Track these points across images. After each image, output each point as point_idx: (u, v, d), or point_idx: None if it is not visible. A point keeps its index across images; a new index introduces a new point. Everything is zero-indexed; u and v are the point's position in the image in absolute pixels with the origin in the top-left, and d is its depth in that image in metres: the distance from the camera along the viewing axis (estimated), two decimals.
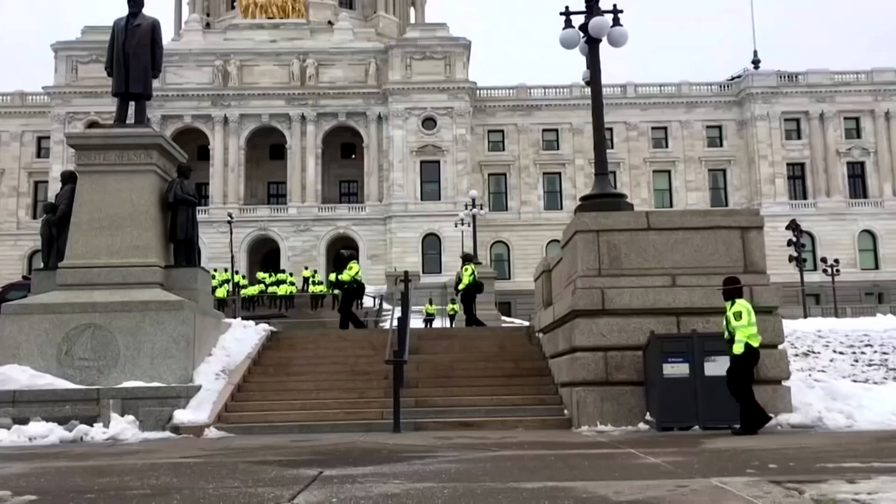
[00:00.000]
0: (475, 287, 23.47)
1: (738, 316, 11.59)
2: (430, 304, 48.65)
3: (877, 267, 70.24)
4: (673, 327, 13.10)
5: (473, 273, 23.44)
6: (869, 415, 12.63)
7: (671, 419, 12.31)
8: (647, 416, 12.75)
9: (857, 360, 17.79)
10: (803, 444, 10.08)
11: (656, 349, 12.52)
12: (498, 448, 10.30)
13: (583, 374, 13.16)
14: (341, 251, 25.06)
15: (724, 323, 11.84)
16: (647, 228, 13.44)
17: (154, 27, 16.74)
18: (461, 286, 23.37)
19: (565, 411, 14.08)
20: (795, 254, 51.32)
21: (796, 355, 17.64)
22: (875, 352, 18.45)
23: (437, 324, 44.72)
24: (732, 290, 11.96)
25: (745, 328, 11.56)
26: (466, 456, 9.43)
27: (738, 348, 11.55)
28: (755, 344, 11.69)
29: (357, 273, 21.83)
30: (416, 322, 27.07)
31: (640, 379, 12.88)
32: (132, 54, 16.44)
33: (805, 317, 38.93)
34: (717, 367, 12.28)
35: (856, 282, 67.25)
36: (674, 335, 12.87)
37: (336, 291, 23.94)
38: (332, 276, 22.36)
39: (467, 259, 24.76)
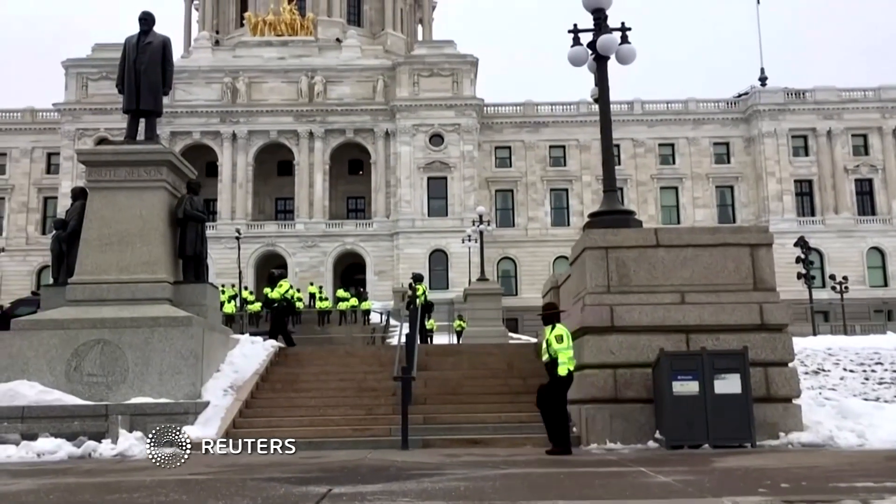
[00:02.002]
0: (426, 306, 24.67)
1: (559, 339, 12.02)
2: (429, 319, 48.49)
3: (886, 284, 69.89)
4: (682, 344, 13.05)
5: (424, 293, 24.67)
6: (881, 434, 12.52)
7: (681, 437, 12.23)
8: (657, 434, 12.67)
9: (867, 379, 17.70)
10: (815, 464, 10.00)
11: (665, 366, 12.46)
12: (507, 466, 10.25)
13: (592, 391, 13.10)
14: (273, 270, 26.11)
15: (545, 346, 12.26)
16: (655, 245, 13.43)
17: (165, 45, 16.89)
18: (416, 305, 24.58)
19: (574, 429, 14.00)
20: (804, 271, 51.14)
21: (806, 373, 17.56)
22: (886, 370, 18.35)
23: (437, 340, 44.50)
24: (551, 314, 12.43)
25: (566, 351, 12.01)
26: (475, 473, 9.38)
27: (562, 370, 12.01)
28: (571, 368, 12.19)
29: (287, 291, 22.75)
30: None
31: (649, 396, 12.81)
32: (143, 72, 16.58)
33: (814, 334, 38.72)
34: (726, 384, 12.24)
35: (865, 299, 66.92)
36: (683, 352, 12.81)
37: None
38: (266, 291, 23.33)
39: (418, 279, 25.75)
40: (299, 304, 47.52)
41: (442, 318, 53.11)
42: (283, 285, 22.82)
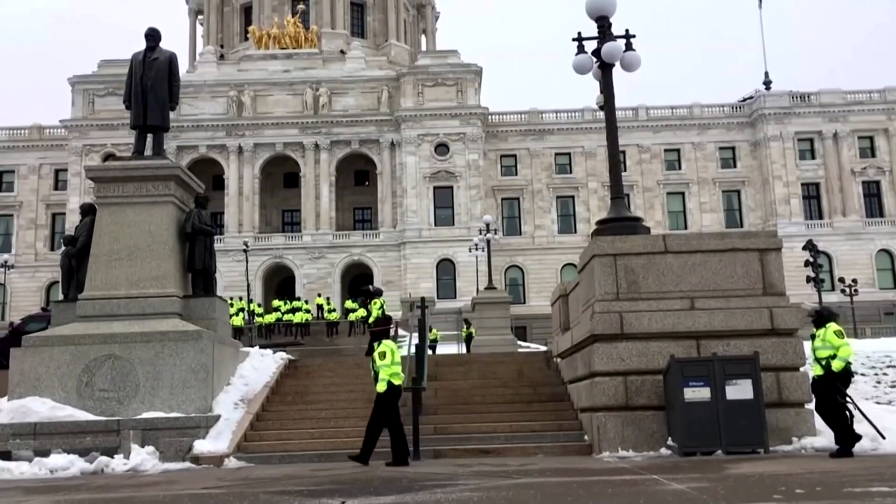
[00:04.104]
0: (384, 320, 25.34)
1: (382, 356, 12.41)
2: (431, 329, 48.41)
3: (895, 286, 69.57)
4: (693, 351, 13.02)
5: (382, 307, 25.30)
6: (894, 438, 12.43)
7: (693, 444, 12.19)
8: (669, 441, 12.63)
9: (879, 382, 17.63)
10: (828, 469, 9.94)
11: (676, 373, 12.43)
12: (519, 475, 10.22)
13: (603, 399, 13.07)
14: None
15: (371, 363, 12.60)
16: (664, 251, 13.40)
17: (171, 60, 16.98)
18: (371, 319, 25.20)
19: (585, 437, 13.98)
20: (813, 274, 50.97)
21: None
22: None
23: (444, 349, 44.38)
24: (380, 331, 12.79)
25: (388, 367, 12.37)
26: (488, 484, 9.36)
27: (381, 387, 12.42)
28: (397, 382, 12.62)
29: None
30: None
31: (660, 403, 12.78)
32: (150, 87, 16.67)
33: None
34: (738, 390, 12.20)
35: (874, 301, 66.63)
36: (694, 359, 12.78)
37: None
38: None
39: (376, 293, 26.63)
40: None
41: (450, 327, 53.08)
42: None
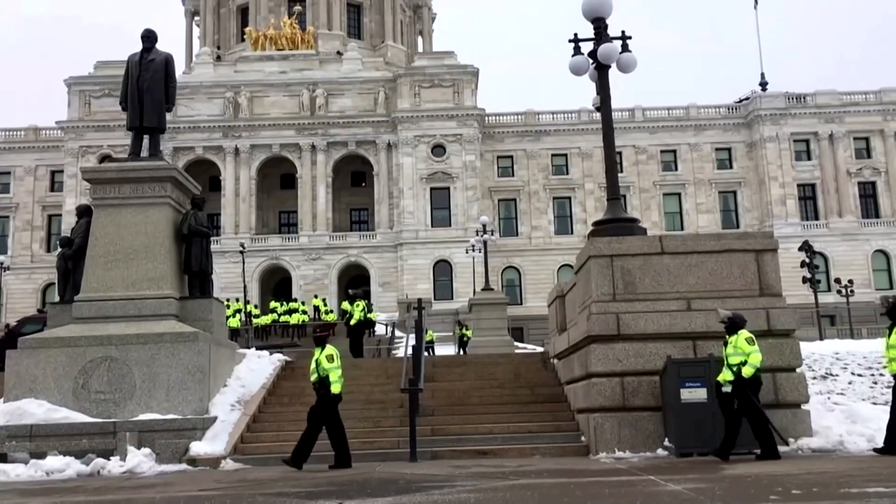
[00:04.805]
0: (366, 323, 26.15)
1: (330, 359, 12.75)
2: (427, 331, 48.45)
3: (891, 286, 69.68)
4: (689, 351, 13.03)
5: (364, 310, 25.61)
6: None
7: (690, 444, 12.20)
8: (666, 442, 12.64)
9: (875, 382, 17.62)
10: (825, 469, 9.96)
11: (673, 374, 12.44)
12: (516, 477, 10.22)
13: (599, 400, 13.07)
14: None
15: (314, 366, 12.98)
16: (661, 253, 13.42)
17: (167, 62, 16.97)
18: (353, 321, 25.41)
19: (582, 438, 13.98)
20: (809, 275, 51.03)
21: (814, 378, 17.49)
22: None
23: (440, 351, 44.44)
24: (322, 336, 13.19)
25: (337, 370, 12.77)
26: (485, 485, 9.36)
27: (335, 388, 12.75)
28: (340, 386, 12.89)
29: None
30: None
31: (657, 404, 12.79)
32: (146, 89, 16.66)
33: (821, 338, 38.64)
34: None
35: (871, 302, 66.66)
36: (690, 360, 12.79)
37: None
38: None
39: (357, 296, 26.65)
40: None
41: (448, 328, 53.10)
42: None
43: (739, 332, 11.79)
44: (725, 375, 11.79)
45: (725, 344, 11.95)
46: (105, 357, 15.01)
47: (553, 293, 18.09)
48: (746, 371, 11.55)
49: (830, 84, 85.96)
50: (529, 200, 73.15)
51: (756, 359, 11.58)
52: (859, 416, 13.58)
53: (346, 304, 26.45)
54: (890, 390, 16.97)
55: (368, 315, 50.67)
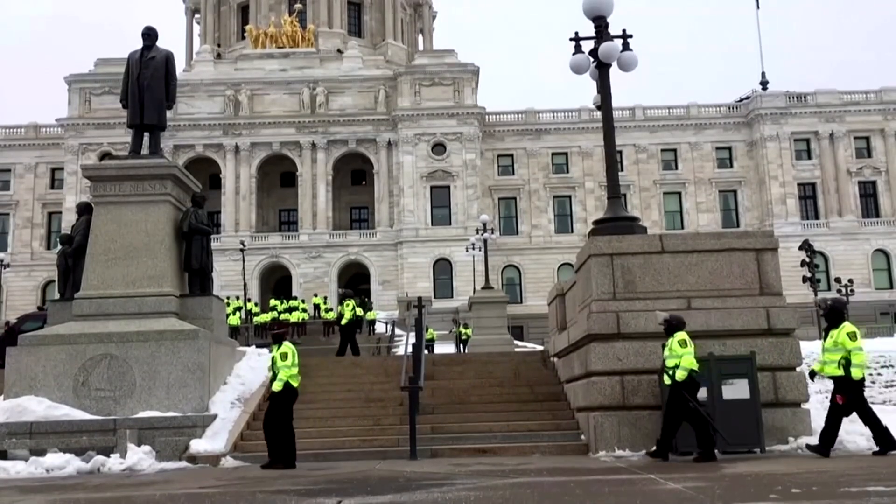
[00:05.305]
0: (356, 322, 26.31)
1: (283, 357, 12.67)
2: (428, 329, 48.48)
3: (891, 286, 69.75)
4: None
5: (354, 309, 25.83)
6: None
7: (690, 443, 12.19)
8: None
9: (873, 382, 17.66)
10: (825, 468, 9.97)
11: None
12: (516, 475, 10.23)
13: (599, 398, 13.08)
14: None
15: (270, 363, 12.98)
16: (661, 251, 13.42)
17: (168, 59, 16.96)
18: (344, 321, 25.74)
19: (582, 436, 13.99)
20: (809, 274, 51.05)
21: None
22: (893, 373, 18.28)
23: (439, 349, 44.47)
24: (279, 334, 13.20)
25: (288, 368, 12.67)
26: (484, 483, 9.37)
27: (276, 386, 12.70)
28: (295, 384, 12.83)
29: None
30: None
31: (657, 403, 12.78)
32: (147, 86, 16.64)
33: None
34: (734, 390, 12.22)
35: (870, 301, 66.76)
36: None
37: None
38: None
39: (347, 295, 27.01)
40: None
41: (448, 326, 53.08)
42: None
43: (675, 335, 11.86)
44: (664, 379, 11.90)
45: (664, 347, 12.05)
46: (105, 354, 15.02)
47: (553, 292, 18.10)
48: (679, 374, 11.63)
49: (831, 83, 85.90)
50: (530, 199, 73.13)
51: (689, 361, 11.64)
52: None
53: (316, 300, 27.25)
54: (888, 390, 17.00)
55: (368, 314, 50.74)
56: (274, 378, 12.84)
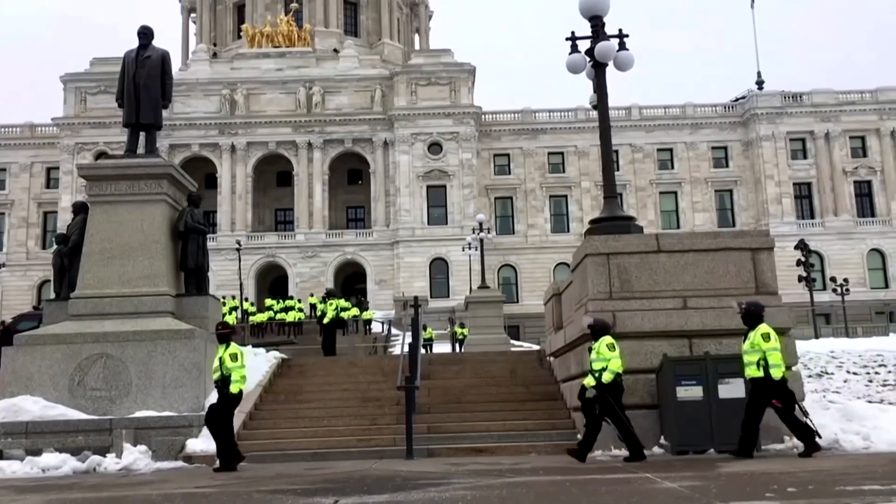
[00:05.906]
0: (338, 322, 26.46)
1: (234, 358, 12.53)
2: (426, 328, 48.49)
3: (887, 286, 69.90)
4: (685, 350, 13.04)
5: (337, 308, 26.03)
6: (886, 436, 12.49)
7: (686, 442, 12.23)
8: (662, 440, 12.66)
9: (871, 381, 17.69)
10: (821, 467, 9.98)
11: (669, 372, 12.45)
12: (512, 474, 10.23)
13: None
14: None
15: (218, 363, 12.65)
16: (657, 251, 13.43)
17: (164, 59, 16.93)
18: (326, 320, 25.74)
19: (579, 436, 13.96)
20: (805, 273, 51.15)
21: (810, 376, 17.56)
22: (889, 372, 18.33)
23: (436, 349, 44.46)
24: (225, 334, 12.88)
25: (240, 369, 12.58)
26: (481, 482, 9.37)
27: (235, 388, 12.53)
28: (242, 387, 12.71)
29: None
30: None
31: (653, 402, 12.80)
32: (143, 86, 16.62)
33: (816, 337, 38.72)
34: (731, 389, 12.22)
35: (866, 301, 66.92)
36: (686, 358, 12.81)
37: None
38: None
39: (330, 295, 27.36)
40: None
41: (444, 326, 53.07)
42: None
43: (602, 338, 11.92)
44: (588, 380, 11.97)
45: (590, 350, 12.10)
46: (101, 354, 15.00)
47: (549, 291, 18.10)
48: (606, 377, 11.69)
49: (827, 83, 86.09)
50: (526, 198, 73.16)
51: (615, 364, 11.71)
52: (854, 414, 13.60)
53: (313, 299, 27.56)
54: (886, 388, 17.05)
55: (364, 313, 50.68)
56: (222, 378, 12.51)
